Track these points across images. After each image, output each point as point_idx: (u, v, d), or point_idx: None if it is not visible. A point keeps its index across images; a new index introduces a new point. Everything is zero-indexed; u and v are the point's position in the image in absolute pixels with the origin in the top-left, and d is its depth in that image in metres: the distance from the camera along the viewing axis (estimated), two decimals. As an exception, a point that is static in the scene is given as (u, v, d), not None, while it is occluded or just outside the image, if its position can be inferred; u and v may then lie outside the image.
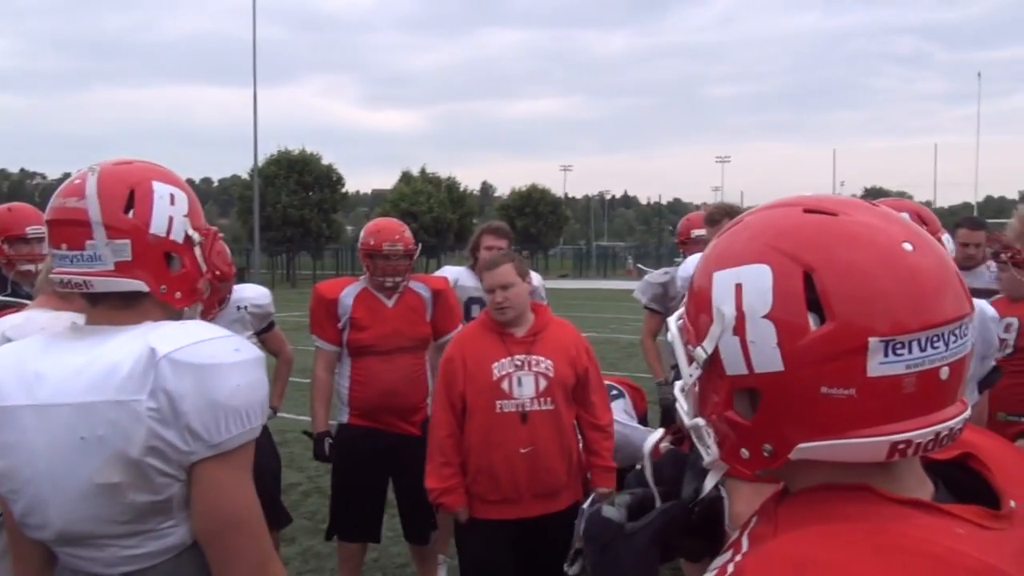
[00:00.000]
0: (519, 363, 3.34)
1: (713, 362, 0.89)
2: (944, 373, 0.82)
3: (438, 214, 44.30)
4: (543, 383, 3.33)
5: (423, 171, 49.78)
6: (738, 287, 0.86)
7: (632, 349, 12.51)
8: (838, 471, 0.85)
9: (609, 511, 1.22)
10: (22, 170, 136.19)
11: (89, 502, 1.43)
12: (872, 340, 0.80)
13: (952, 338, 0.82)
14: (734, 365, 0.87)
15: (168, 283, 1.56)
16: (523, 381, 3.31)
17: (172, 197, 1.58)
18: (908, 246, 0.83)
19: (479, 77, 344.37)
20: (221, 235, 1.74)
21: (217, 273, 1.74)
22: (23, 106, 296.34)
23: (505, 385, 3.31)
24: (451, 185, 49.27)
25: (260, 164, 39.57)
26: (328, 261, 46.17)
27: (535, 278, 4.49)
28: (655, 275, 5.03)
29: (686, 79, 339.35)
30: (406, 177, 49.50)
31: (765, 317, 0.84)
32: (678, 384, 0.97)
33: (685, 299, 0.97)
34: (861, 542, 0.79)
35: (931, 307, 0.81)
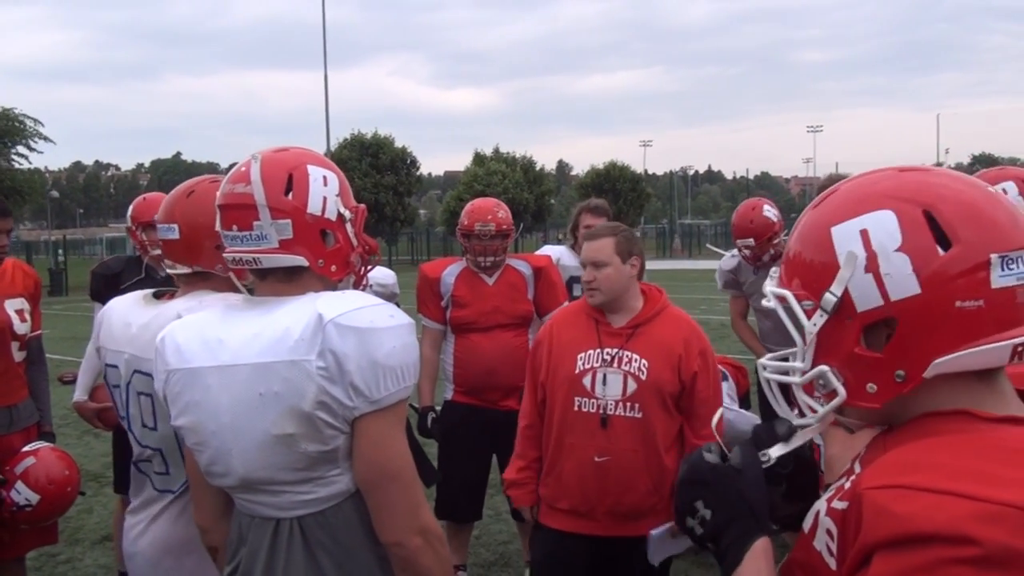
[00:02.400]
0: (608, 358, 2.90)
1: (842, 305, 1.02)
2: None
3: (513, 195, 43.12)
4: (632, 386, 2.87)
5: (496, 151, 48.77)
6: (864, 232, 1.01)
7: (724, 331, 11.94)
8: (943, 397, 1.00)
9: (706, 456, 1.18)
10: (96, 162, 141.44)
11: (267, 451, 1.61)
12: (993, 256, 0.96)
13: None
14: (868, 300, 1.00)
15: (325, 257, 1.71)
16: (609, 380, 2.89)
17: (325, 179, 1.72)
18: (992, 190, 1.03)
19: (554, 51, 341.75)
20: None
21: (367, 247, 1.81)
22: (98, 97, 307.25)
23: (587, 381, 2.90)
24: (526, 164, 48.17)
25: (333, 148, 39.05)
26: (403, 245, 45.49)
27: None
28: (724, 261, 5.06)
29: (774, 45, 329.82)
30: (479, 158, 48.52)
31: (897, 251, 0.99)
32: (767, 358, 1.14)
33: (780, 267, 1.12)
34: (963, 445, 0.93)
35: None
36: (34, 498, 3.17)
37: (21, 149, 30.87)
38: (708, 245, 8.23)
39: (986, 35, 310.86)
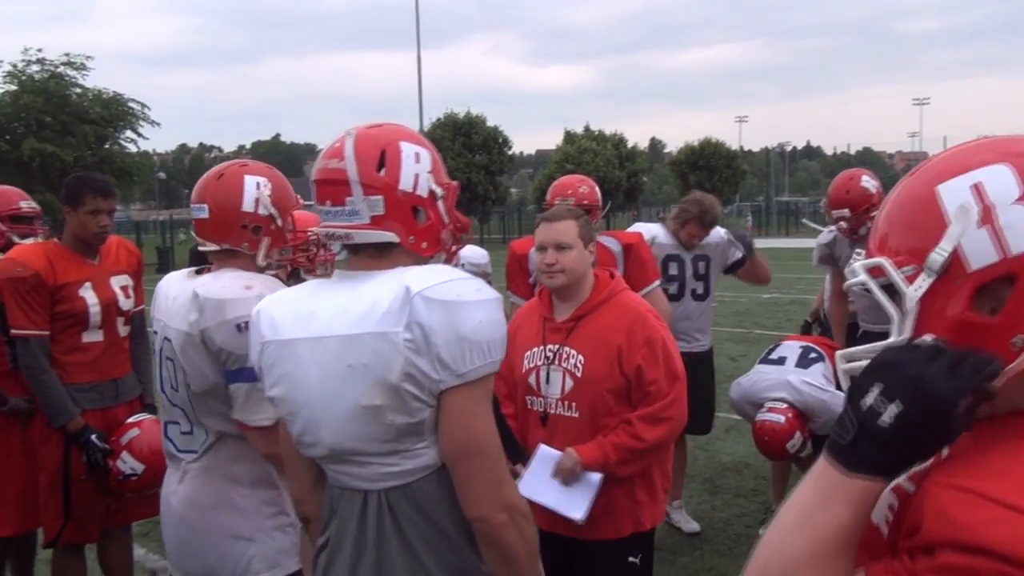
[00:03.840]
0: (550, 355, 2.82)
1: (950, 265, 0.94)
2: None
3: (605, 172, 42.67)
4: (569, 383, 2.77)
5: (587, 128, 48.34)
6: (976, 187, 0.95)
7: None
8: None
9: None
10: (201, 144, 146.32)
11: (356, 422, 1.64)
12: None
13: None
14: (982, 256, 0.92)
15: (416, 234, 1.72)
16: (551, 378, 2.81)
17: (417, 156, 1.73)
18: None
19: (650, 26, 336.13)
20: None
21: (458, 224, 1.82)
22: (203, 82, 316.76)
23: (533, 379, 2.85)
24: (618, 142, 47.61)
25: (426, 128, 39.40)
26: (494, 224, 45.64)
27: (719, 233, 4.73)
28: (821, 236, 4.90)
29: (878, 14, 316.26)
30: (570, 136, 48.19)
31: (1017, 202, 0.92)
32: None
33: (869, 241, 1.06)
34: None
35: None
36: (139, 467, 3.28)
37: (130, 133, 32.11)
38: (804, 220, 7.72)
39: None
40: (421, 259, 1.74)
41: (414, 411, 1.60)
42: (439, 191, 1.74)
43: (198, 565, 2.37)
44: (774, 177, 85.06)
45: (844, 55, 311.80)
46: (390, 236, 1.68)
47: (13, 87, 29.76)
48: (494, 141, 43.75)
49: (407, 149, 1.71)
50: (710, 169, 50.02)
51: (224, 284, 2.22)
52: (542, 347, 2.82)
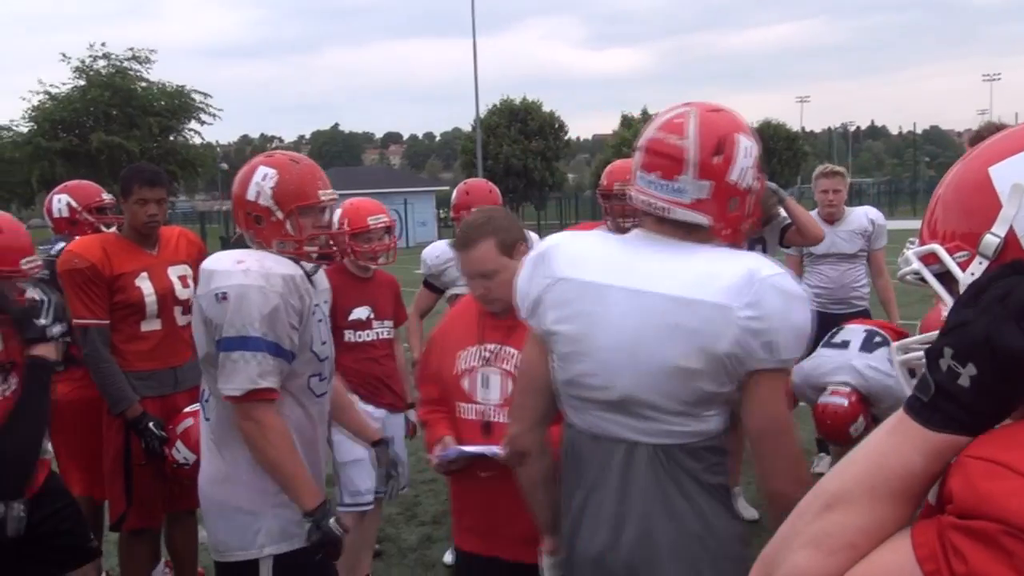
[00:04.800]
0: (488, 355, 2.49)
1: (1005, 247, 0.91)
2: None
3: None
4: (511, 387, 2.37)
5: (644, 112, 47.85)
6: None
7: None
8: None
9: None
10: (262, 135, 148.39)
11: (663, 378, 1.70)
12: None
13: None
14: None
15: (724, 222, 1.77)
16: (491, 381, 2.48)
17: (748, 150, 1.77)
18: None
19: (707, 7, 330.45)
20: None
21: (755, 218, 1.88)
22: (265, 73, 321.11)
23: (467, 383, 2.51)
24: (677, 125, 47.00)
25: (482, 115, 39.39)
26: (551, 210, 45.52)
27: None
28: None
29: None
30: (627, 121, 47.78)
31: None
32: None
33: (922, 228, 1.03)
34: None
35: None
36: (191, 457, 3.32)
37: (193, 124, 32.78)
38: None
39: None
40: (717, 242, 1.81)
41: (724, 382, 1.69)
42: (755, 186, 1.79)
43: (212, 538, 2.48)
44: (837, 158, 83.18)
45: (910, 31, 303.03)
46: (704, 220, 1.75)
47: (81, 82, 30.58)
48: (550, 127, 43.58)
49: (742, 142, 1.75)
50: (770, 151, 49.17)
51: (221, 257, 2.38)
52: (479, 347, 2.49)
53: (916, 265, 0.99)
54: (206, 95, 32.38)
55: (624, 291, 1.73)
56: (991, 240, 0.91)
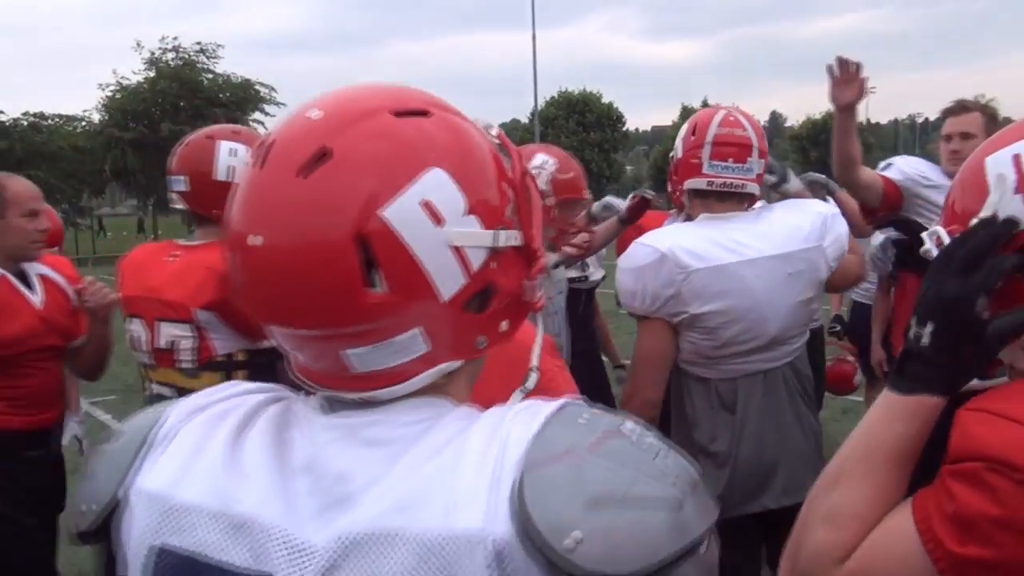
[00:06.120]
0: None
1: None
2: None
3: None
4: None
5: (704, 104, 47.36)
6: (1016, 156, 0.99)
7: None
8: None
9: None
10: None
11: (794, 313, 2.32)
12: None
13: None
14: (1021, 224, 0.97)
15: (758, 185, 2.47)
16: None
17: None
18: None
19: None
20: None
21: None
22: (328, 66, 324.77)
23: None
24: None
25: (540, 107, 39.35)
26: (609, 202, 45.38)
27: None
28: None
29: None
30: (687, 112, 47.32)
31: None
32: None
33: (945, 205, 1.10)
34: None
35: None
36: None
37: (258, 115, 33.42)
38: None
39: None
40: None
41: (820, 293, 2.40)
42: None
43: None
44: (904, 150, 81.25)
45: (984, 19, 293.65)
46: (757, 189, 2.40)
47: (151, 74, 31.42)
48: (608, 118, 43.39)
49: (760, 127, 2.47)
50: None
51: None
52: None
53: (928, 245, 1.05)
54: (271, 88, 33.00)
55: (746, 263, 2.23)
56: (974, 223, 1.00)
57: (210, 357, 2.35)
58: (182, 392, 2.34)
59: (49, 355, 2.78)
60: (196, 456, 0.82)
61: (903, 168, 3.51)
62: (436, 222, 0.75)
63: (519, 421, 0.76)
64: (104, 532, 0.86)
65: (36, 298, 2.75)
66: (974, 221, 0.99)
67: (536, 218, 0.86)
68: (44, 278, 2.80)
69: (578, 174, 2.92)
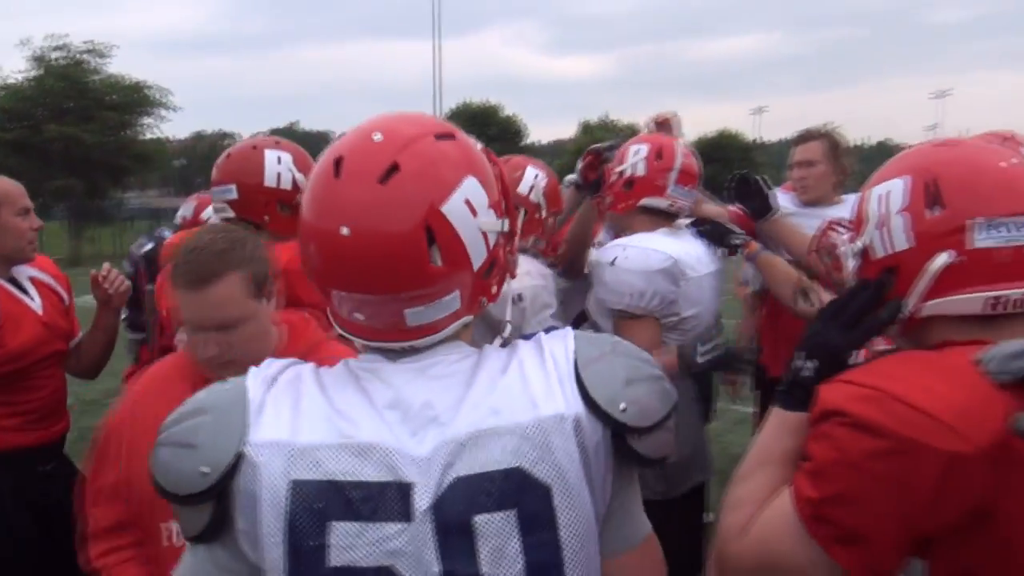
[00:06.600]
0: None
1: (865, 253, 1.31)
2: None
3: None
4: None
5: (604, 119, 48.37)
6: (882, 197, 1.28)
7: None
8: (952, 331, 1.21)
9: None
10: (217, 131, 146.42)
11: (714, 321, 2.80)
12: (974, 221, 1.18)
13: None
14: (878, 251, 1.28)
15: None
16: None
17: None
18: (1010, 162, 1.23)
19: (669, 16, 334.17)
20: None
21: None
22: (224, 68, 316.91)
23: None
24: (630, 134, 47.49)
25: (442, 118, 39.38)
26: (509, 214, 45.75)
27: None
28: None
29: (903, 5, 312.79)
30: (586, 127, 48.24)
31: (900, 212, 1.24)
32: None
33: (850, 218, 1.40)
34: (911, 359, 1.20)
35: (1020, 200, 1.18)
36: None
37: (150, 120, 32.31)
38: None
39: None
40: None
41: None
42: None
43: None
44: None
45: (866, 46, 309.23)
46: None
47: (38, 72, 30.00)
48: (509, 131, 43.78)
49: None
50: (726, 161, 49.74)
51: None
52: None
53: (851, 259, 1.37)
54: (166, 91, 32.00)
55: (708, 276, 2.68)
56: (857, 246, 1.33)
57: None
58: None
59: (54, 361, 2.71)
60: (298, 410, 1.07)
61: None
62: (473, 215, 1.07)
63: (553, 345, 1.14)
64: (211, 492, 1.04)
65: (35, 304, 2.66)
66: (857, 244, 1.32)
67: (511, 206, 1.16)
68: (35, 281, 2.71)
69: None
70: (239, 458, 1.04)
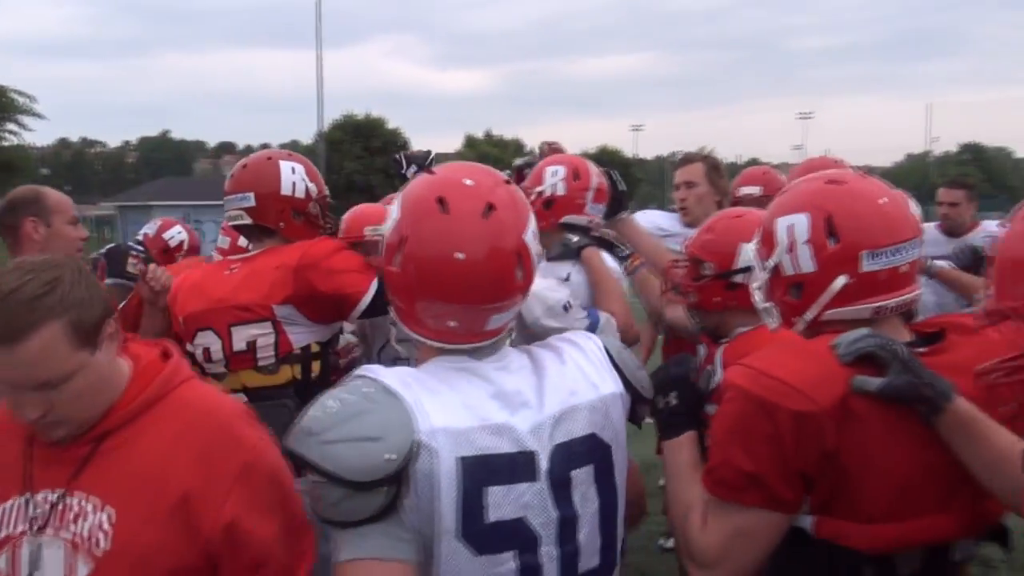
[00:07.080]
0: (40, 513, 1.48)
1: (776, 269, 1.65)
2: (904, 268, 1.56)
3: (508, 178, 43.01)
4: (83, 570, 1.44)
5: (488, 134, 48.79)
6: (789, 227, 1.62)
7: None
8: (845, 331, 1.52)
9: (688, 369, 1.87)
10: (83, 139, 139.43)
11: None
12: (863, 252, 1.54)
13: (909, 248, 1.56)
14: (788, 270, 1.63)
15: None
16: (45, 559, 1.45)
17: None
18: (884, 199, 1.58)
19: (550, 34, 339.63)
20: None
21: None
22: (87, 74, 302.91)
23: (5, 563, 1.47)
24: (516, 148, 48.21)
25: (325, 129, 38.84)
26: (394, 227, 45.40)
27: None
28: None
29: (767, 31, 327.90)
30: (471, 141, 48.52)
31: (805, 243, 1.59)
32: (754, 285, 1.76)
33: (759, 236, 1.73)
34: (789, 345, 1.61)
35: (897, 231, 1.55)
36: None
37: (13, 126, 30.68)
38: None
39: (980, 25, 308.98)
40: None
41: None
42: None
43: None
44: (668, 185, 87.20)
45: (734, 69, 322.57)
46: None
47: None
48: (394, 144, 43.57)
49: None
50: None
51: None
52: (24, 497, 1.49)
53: (758, 272, 1.76)
54: (30, 97, 30.43)
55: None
56: (769, 264, 1.68)
57: (289, 351, 2.57)
58: (251, 393, 2.53)
59: None
60: (443, 403, 1.35)
61: (640, 222, 3.60)
62: (535, 240, 1.44)
63: (584, 341, 1.58)
64: (395, 476, 1.27)
65: None
66: (769, 263, 1.67)
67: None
68: None
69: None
70: (415, 445, 1.28)
